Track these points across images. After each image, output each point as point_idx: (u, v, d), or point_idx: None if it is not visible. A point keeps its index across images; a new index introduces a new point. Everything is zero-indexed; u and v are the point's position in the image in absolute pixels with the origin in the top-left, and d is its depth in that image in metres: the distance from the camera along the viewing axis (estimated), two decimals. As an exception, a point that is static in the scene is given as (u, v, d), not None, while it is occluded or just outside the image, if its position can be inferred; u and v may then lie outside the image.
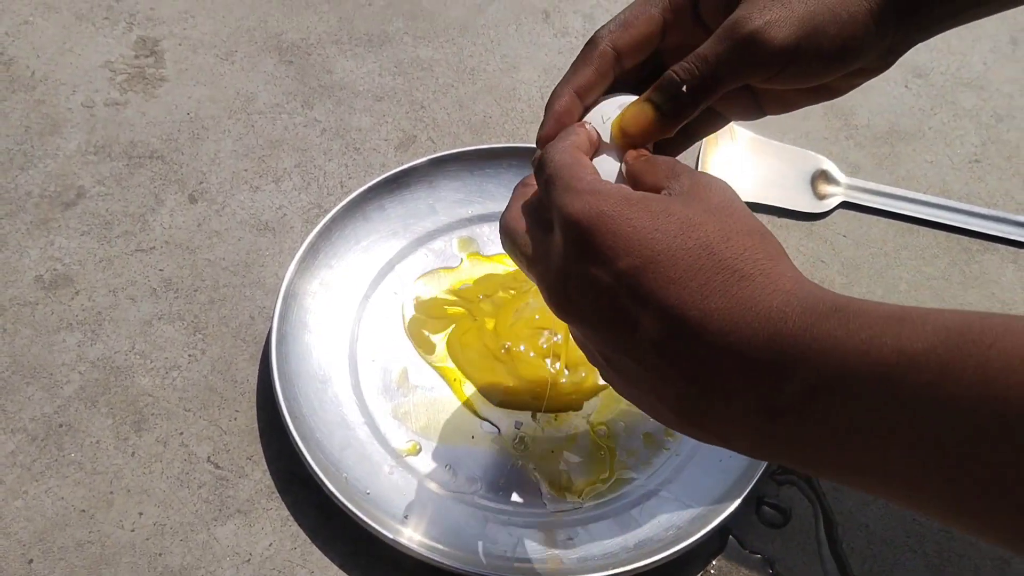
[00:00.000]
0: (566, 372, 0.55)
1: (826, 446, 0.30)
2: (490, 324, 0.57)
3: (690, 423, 0.34)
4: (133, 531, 0.49)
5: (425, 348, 0.57)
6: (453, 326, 0.58)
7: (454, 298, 0.59)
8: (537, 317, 0.58)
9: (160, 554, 0.48)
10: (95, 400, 0.53)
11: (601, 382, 0.55)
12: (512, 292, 0.59)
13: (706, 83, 0.38)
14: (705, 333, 0.32)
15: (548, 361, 0.56)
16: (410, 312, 0.58)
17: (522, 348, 0.56)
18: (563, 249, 0.35)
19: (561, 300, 0.36)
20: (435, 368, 0.56)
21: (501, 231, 0.41)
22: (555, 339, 0.56)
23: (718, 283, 0.32)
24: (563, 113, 0.41)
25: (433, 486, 0.51)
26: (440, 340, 0.57)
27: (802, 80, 0.40)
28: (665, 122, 0.39)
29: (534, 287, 0.58)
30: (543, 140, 0.41)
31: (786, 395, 0.30)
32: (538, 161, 0.39)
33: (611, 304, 0.34)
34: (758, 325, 0.31)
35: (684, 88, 0.38)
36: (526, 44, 0.75)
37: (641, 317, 0.33)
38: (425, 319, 0.58)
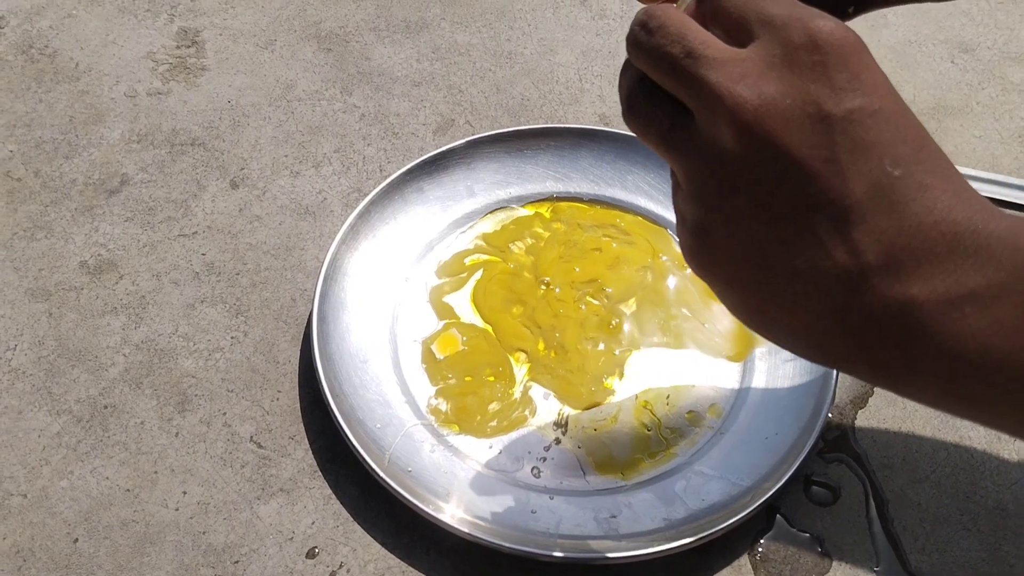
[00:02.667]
0: (600, 346, 0.55)
1: (1000, 343, 0.27)
2: (526, 261, 0.58)
3: (837, 312, 0.30)
4: (177, 510, 0.49)
5: (445, 314, 0.57)
6: (479, 274, 0.58)
7: (482, 243, 0.60)
8: (577, 270, 0.58)
9: (204, 532, 0.49)
10: (139, 382, 0.54)
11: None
12: (546, 234, 0.60)
13: None
14: (926, 202, 0.28)
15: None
16: (433, 281, 0.58)
17: (558, 291, 0.56)
18: (780, 64, 0.29)
19: (748, 120, 0.29)
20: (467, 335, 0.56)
21: (650, 17, 0.32)
22: (594, 302, 0.56)
23: (939, 164, 0.29)
24: None
25: (475, 464, 0.51)
26: (462, 300, 0.58)
27: None
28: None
29: (565, 232, 0.59)
30: None
31: (980, 282, 0.28)
32: None
33: (824, 143, 0.29)
34: (972, 209, 0.29)
35: None
36: (563, 27, 0.74)
37: (853, 166, 0.28)
38: (444, 286, 0.58)
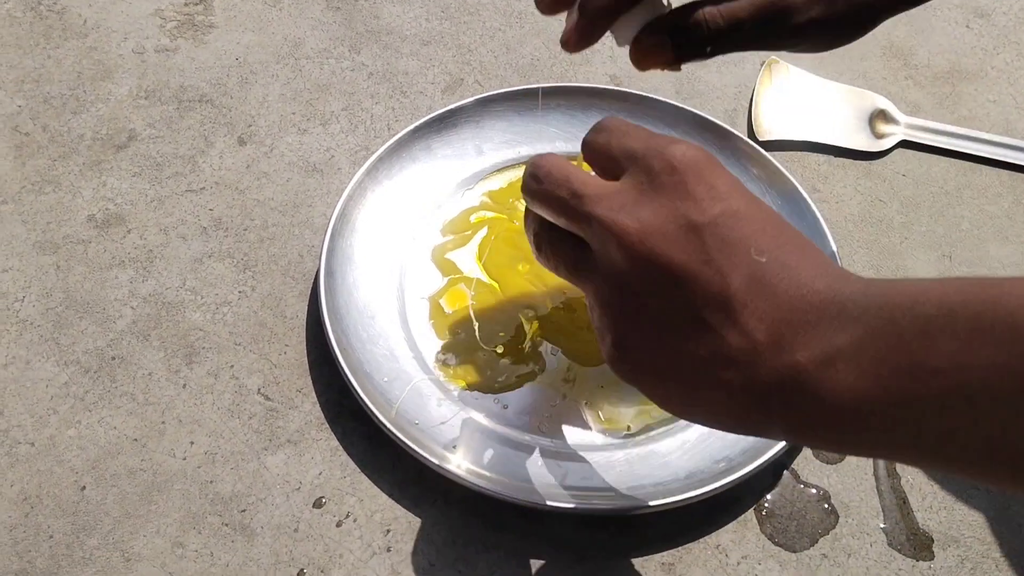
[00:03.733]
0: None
1: (867, 390, 0.30)
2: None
3: (742, 388, 0.33)
4: (184, 459, 0.49)
5: (448, 271, 0.57)
6: (484, 231, 0.58)
7: (488, 200, 0.59)
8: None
9: (211, 482, 0.49)
10: (147, 334, 0.54)
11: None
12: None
13: (727, 42, 0.41)
14: (792, 279, 0.33)
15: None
16: (437, 240, 0.58)
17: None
18: (648, 189, 0.34)
19: (633, 242, 0.34)
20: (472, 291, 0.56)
21: (537, 168, 0.38)
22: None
23: (796, 244, 0.34)
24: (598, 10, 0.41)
25: (481, 418, 0.51)
26: (467, 257, 0.57)
27: (824, 48, 0.44)
28: (678, 59, 0.42)
29: None
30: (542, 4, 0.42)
31: (844, 340, 0.31)
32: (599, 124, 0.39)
33: (699, 248, 0.33)
34: (830, 278, 0.33)
35: (707, 43, 0.41)
36: (575, -12, 0.73)
37: (727, 262, 0.33)
38: (447, 243, 0.58)
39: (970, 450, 0.28)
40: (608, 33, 0.42)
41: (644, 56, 0.42)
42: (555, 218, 0.37)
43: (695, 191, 0.34)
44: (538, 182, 0.38)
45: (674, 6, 0.42)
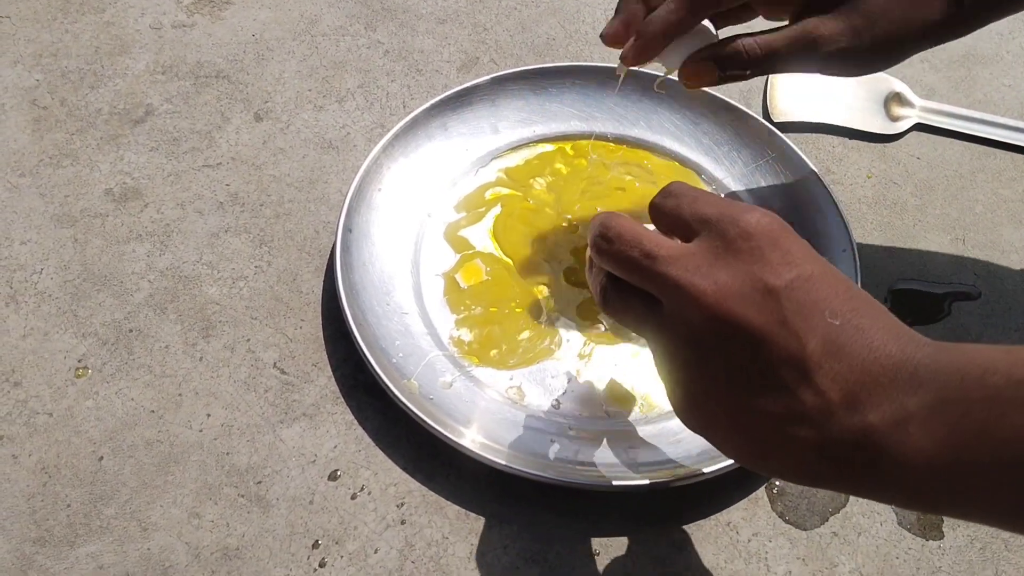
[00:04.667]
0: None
1: (938, 453, 0.32)
2: (547, 199, 0.59)
3: (815, 446, 0.34)
4: (201, 431, 0.50)
5: (461, 247, 0.57)
6: (497, 209, 0.59)
7: (504, 177, 0.60)
8: (599, 209, 0.58)
9: (227, 453, 0.49)
10: (164, 307, 0.54)
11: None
12: (566, 169, 0.61)
13: (765, 67, 0.48)
14: (865, 342, 0.34)
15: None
16: (452, 217, 0.59)
17: (580, 230, 0.56)
18: (723, 253, 0.36)
19: (710, 303, 0.35)
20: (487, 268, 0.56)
21: (606, 228, 0.39)
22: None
23: (868, 308, 0.35)
24: (631, 19, 0.48)
25: (495, 395, 0.51)
26: (481, 233, 0.58)
27: (855, 74, 0.50)
28: (721, 81, 0.48)
29: (587, 169, 0.60)
30: (608, 37, 0.48)
31: (916, 404, 0.32)
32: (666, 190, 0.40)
33: (775, 310, 0.34)
34: (902, 342, 0.34)
35: (747, 68, 0.47)
36: (591, -33, 0.73)
37: (803, 325, 0.34)
38: (461, 221, 0.58)
39: None
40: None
41: (692, 78, 0.49)
42: (626, 276, 0.39)
43: (770, 256, 0.35)
44: (608, 242, 0.39)
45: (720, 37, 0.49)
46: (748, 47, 0.47)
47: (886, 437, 0.32)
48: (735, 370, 0.35)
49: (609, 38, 0.48)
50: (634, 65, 0.49)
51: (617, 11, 0.49)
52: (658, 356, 0.39)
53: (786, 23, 0.48)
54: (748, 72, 0.48)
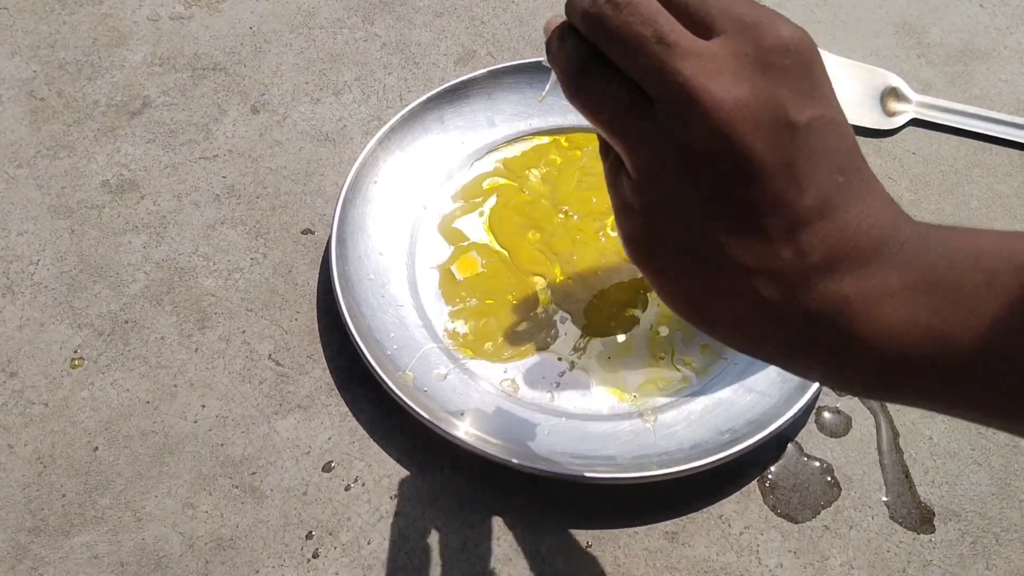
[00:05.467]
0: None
1: (912, 338, 0.29)
2: (543, 190, 0.59)
3: (778, 307, 0.30)
4: (196, 422, 0.50)
5: (455, 240, 0.57)
6: (492, 201, 0.59)
7: (500, 167, 0.60)
8: (595, 200, 0.58)
9: (222, 444, 0.49)
10: (160, 299, 0.54)
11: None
12: (559, 160, 0.61)
13: None
14: (860, 209, 0.30)
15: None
16: (446, 208, 0.59)
17: (576, 219, 0.56)
18: (750, 64, 0.29)
19: (720, 117, 0.29)
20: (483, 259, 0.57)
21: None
22: (612, 234, 0.56)
23: (870, 174, 0.31)
24: None
25: (489, 387, 0.51)
26: (475, 225, 0.58)
27: None
28: None
29: (581, 159, 0.60)
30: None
31: (899, 283, 0.29)
32: None
33: (786, 148, 0.29)
34: (895, 216, 0.31)
35: None
36: (588, -39, 0.73)
37: (809, 174, 0.29)
38: (456, 211, 0.59)
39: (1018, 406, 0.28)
40: None
41: None
42: (622, 58, 0.31)
43: (800, 83, 0.29)
44: (617, 9, 0.30)
45: None
46: None
47: (860, 312, 0.29)
48: (716, 203, 0.30)
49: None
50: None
51: None
52: (619, 168, 0.33)
53: None
54: None
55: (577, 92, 0.32)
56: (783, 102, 0.29)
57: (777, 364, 0.33)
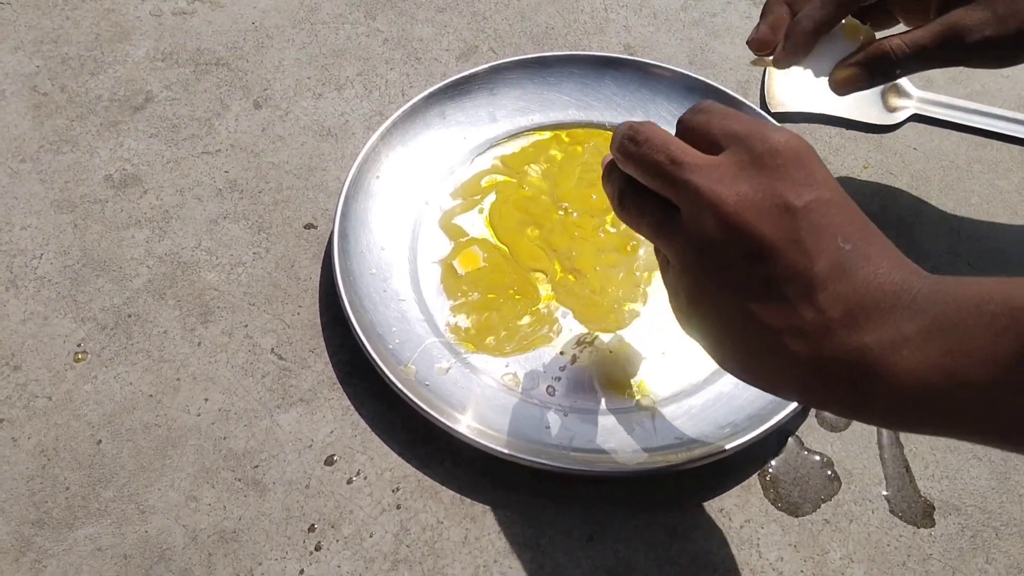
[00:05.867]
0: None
1: (929, 377, 0.33)
2: (543, 186, 0.60)
3: (809, 361, 0.35)
4: (199, 416, 0.50)
5: (456, 236, 0.57)
6: (492, 197, 0.59)
7: (498, 164, 0.60)
8: (594, 197, 0.58)
9: (225, 438, 0.50)
10: (162, 293, 0.55)
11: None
12: (559, 155, 0.61)
13: (913, 66, 0.50)
14: (871, 269, 0.35)
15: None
16: (447, 204, 0.59)
17: (576, 216, 0.57)
18: (748, 167, 0.36)
19: (728, 212, 0.36)
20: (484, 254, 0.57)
21: (636, 132, 0.40)
22: (612, 230, 0.56)
23: (877, 239, 0.36)
24: (778, 22, 0.51)
25: (491, 381, 0.51)
26: (476, 221, 0.58)
27: (1000, 65, 0.51)
28: (870, 85, 0.51)
29: (582, 155, 0.61)
30: (756, 42, 0.51)
31: (913, 329, 0.33)
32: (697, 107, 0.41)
33: (791, 228, 0.35)
34: (906, 272, 0.35)
35: (896, 68, 0.50)
36: (590, -43, 0.73)
37: (815, 245, 0.35)
38: (456, 208, 0.59)
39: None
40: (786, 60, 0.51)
41: (842, 84, 0.52)
42: (648, 180, 0.39)
43: (794, 175, 0.36)
44: (636, 145, 0.39)
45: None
46: (896, 47, 0.50)
47: (880, 358, 0.33)
48: (742, 279, 0.36)
49: (757, 43, 0.51)
50: (784, 67, 0.51)
51: (763, 16, 0.51)
52: (667, 261, 0.40)
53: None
54: (897, 72, 0.50)
55: (622, 210, 0.41)
56: (781, 192, 0.35)
57: (814, 406, 0.39)
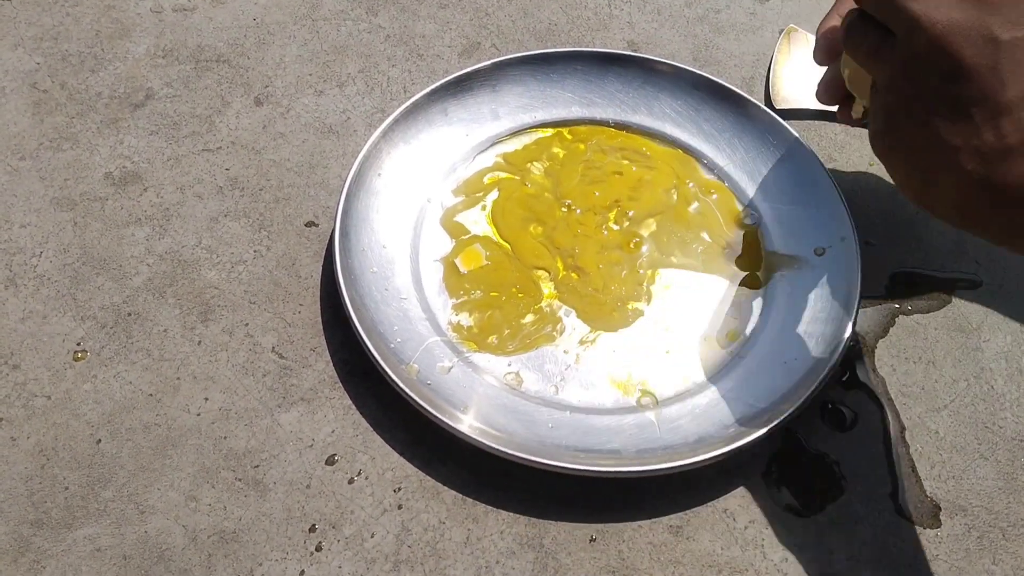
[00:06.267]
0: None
1: None
2: (545, 183, 0.59)
3: (980, 181, 0.38)
4: (199, 415, 0.50)
5: (458, 233, 0.57)
6: (494, 195, 0.59)
7: (501, 161, 0.60)
8: (597, 194, 0.58)
9: (225, 437, 0.49)
10: (163, 291, 0.54)
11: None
12: (562, 153, 0.61)
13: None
14: None
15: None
16: (449, 201, 0.58)
17: (579, 212, 0.56)
18: (966, 1, 0.39)
19: (938, 34, 0.38)
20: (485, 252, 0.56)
21: None
22: (615, 227, 0.56)
23: None
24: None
25: (493, 381, 0.51)
26: (478, 219, 0.58)
27: None
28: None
29: (585, 152, 0.60)
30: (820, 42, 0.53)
31: None
32: None
33: (991, 57, 0.38)
34: None
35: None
36: (593, -47, 0.73)
37: (1011, 76, 0.37)
38: (457, 205, 0.58)
39: None
40: None
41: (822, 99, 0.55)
42: (876, 9, 0.42)
43: (1006, 13, 0.38)
44: None
45: None
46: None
47: None
48: (934, 96, 0.39)
49: (819, 58, 0.54)
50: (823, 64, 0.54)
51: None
52: (878, 86, 0.43)
53: None
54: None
55: (848, 39, 0.45)
56: (989, 24, 0.38)
57: (973, 230, 0.41)
